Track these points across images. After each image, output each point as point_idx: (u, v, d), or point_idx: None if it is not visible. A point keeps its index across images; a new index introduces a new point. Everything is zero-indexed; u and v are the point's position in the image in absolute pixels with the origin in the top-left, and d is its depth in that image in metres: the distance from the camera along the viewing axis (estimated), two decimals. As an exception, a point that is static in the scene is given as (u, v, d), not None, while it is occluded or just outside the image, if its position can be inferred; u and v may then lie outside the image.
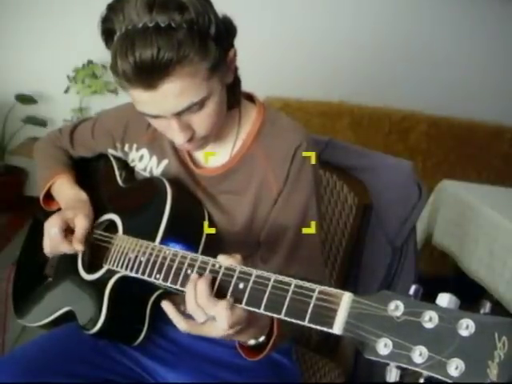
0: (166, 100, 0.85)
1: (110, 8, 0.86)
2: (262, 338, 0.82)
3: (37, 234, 1.26)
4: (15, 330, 1.69)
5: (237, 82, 0.99)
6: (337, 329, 0.62)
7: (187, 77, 0.83)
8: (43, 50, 2.87)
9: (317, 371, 1.26)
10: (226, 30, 0.89)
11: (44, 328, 1.14)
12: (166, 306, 0.81)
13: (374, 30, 2.86)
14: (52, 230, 1.03)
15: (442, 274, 2.44)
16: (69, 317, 1.06)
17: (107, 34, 0.87)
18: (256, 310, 0.71)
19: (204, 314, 0.76)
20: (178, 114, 0.88)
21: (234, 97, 1.00)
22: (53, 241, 1.04)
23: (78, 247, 1.03)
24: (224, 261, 0.77)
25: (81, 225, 1.04)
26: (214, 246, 0.97)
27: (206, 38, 0.85)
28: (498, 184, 2.36)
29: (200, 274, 0.78)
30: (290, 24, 2.86)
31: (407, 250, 1.23)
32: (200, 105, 0.88)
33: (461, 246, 2.02)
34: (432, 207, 2.25)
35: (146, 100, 0.87)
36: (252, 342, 0.83)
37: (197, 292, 0.76)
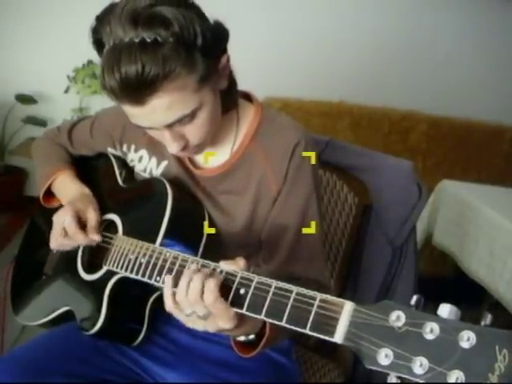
0: (155, 114, 0.85)
1: (98, 19, 0.86)
2: (251, 336, 0.83)
3: (35, 233, 1.26)
4: (15, 330, 1.69)
5: (232, 85, 0.98)
6: (338, 338, 0.62)
7: (175, 91, 0.83)
8: (43, 50, 2.86)
9: (317, 371, 1.26)
10: (216, 38, 0.87)
11: (43, 327, 1.14)
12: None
13: (374, 29, 2.86)
14: (66, 219, 1.02)
15: (442, 274, 2.44)
16: (68, 316, 1.06)
17: (98, 44, 0.87)
18: (257, 316, 0.71)
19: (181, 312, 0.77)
20: (170, 126, 0.88)
21: (230, 99, 0.99)
22: (67, 231, 1.02)
23: (95, 237, 1.02)
24: (226, 267, 0.77)
25: (92, 216, 1.04)
26: (214, 247, 0.97)
27: (193, 51, 0.83)
28: (498, 184, 2.35)
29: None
30: (289, 24, 2.85)
31: (407, 249, 1.22)
32: (191, 116, 0.87)
33: (461, 245, 2.02)
34: (432, 207, 2.25)
35: (135, 114, 0.87)
36: (242, 338, 0.83)
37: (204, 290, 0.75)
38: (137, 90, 0.81)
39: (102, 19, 0.85)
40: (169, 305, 0.78)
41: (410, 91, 2.91)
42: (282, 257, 0.99)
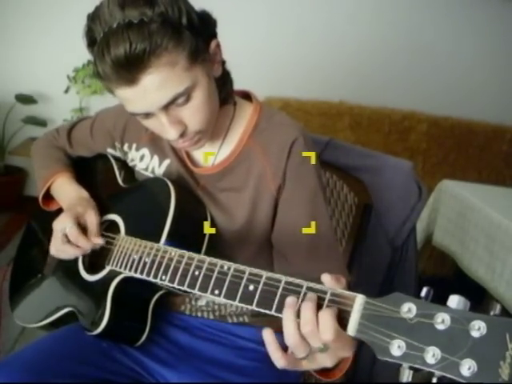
0: (150, 93, 0.85)
1: (89, 18, 0.87)
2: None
3: (34, 234, 1.25)
4: (14, 331, 1.69)
5: (226, 76, 0.99)
6: (350, 330, 0.63)
7: (166, 67, 0.84)
8: (43, 50, 2.87)
9: (317, 371, 1.25)
10: (202, 21, 0.89)
11: (43, 329, 1.14)
12: (268, 336, 0.69)
13: (374, 29, 2.87)
14: (67, 225, 1.01)
15: (442, 274, 2.44)
16: (68, 318, 1.06)
17: (92, 44, 0.87)
18: (267, 312, 0.71)
19: (307, 347, 0.69)
20: (166, 108, 0.88)
21: (226, 91, 0.99)
22: (69, 237, 1.01)
23: (97, 241, 1.02)
24: (329, 283, 0.68)
25: (92, 219, 1.04)
26: (215, 245, 0.97)
27: (179, 28, 0.85)
28: (498, 184, 2.36)
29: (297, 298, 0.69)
30: (289, 24, 2.86)
31: (407, 249, 1.23)
32: (186, 96, 0.88)
33: (461, 245, 2.02)
34: (432, 207, 2.25)
35: (131, 98, 0.87)
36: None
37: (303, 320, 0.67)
38: (127, 68, 0.82)
39: (93, 15, 0.86)
40: (295, 340, 0.68)
41: (410, 91, 2.92)
42: (302, 259, 0.96)
